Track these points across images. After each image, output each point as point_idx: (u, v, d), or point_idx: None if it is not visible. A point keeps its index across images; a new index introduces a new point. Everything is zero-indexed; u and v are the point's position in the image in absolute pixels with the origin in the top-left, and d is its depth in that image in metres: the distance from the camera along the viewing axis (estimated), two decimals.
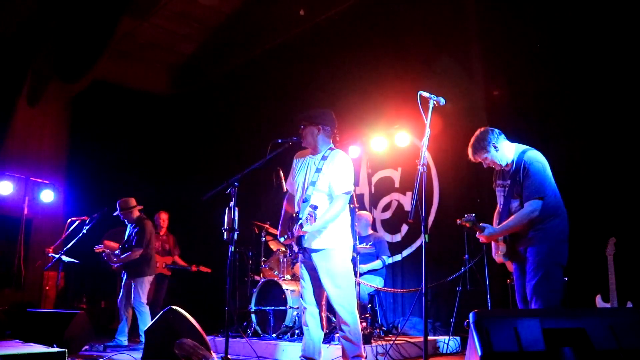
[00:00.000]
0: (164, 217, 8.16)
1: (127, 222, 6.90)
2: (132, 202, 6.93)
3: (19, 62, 9.84)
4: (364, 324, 5.38)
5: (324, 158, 4.17)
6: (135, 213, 6.88)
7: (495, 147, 3.78)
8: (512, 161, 3.80)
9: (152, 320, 6.66)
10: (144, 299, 6.65)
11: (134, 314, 6.71)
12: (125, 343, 6.59)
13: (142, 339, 6.54)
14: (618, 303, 4.64)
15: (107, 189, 8.88)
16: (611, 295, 4.70)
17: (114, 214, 6.89)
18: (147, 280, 6.75)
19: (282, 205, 4.42)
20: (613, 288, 4.71)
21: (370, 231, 6.79)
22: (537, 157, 3.73)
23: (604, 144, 5.34)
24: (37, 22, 9.46)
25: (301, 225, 3.84)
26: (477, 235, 3.80)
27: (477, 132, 3.87)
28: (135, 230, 6.74)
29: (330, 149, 4.23)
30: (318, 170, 4.12)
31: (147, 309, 6.65)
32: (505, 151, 3.81)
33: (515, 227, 3.67)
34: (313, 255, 4.04)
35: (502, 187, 3.89)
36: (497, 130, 3.84)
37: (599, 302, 4.81)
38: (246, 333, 6.18)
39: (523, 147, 3.85)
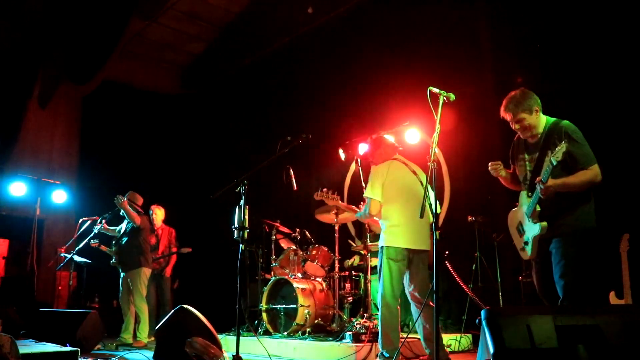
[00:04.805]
0: (156, 212, 7.87)
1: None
2: (139, 199, 7.04)
3: (29, 64, 9.91)
4: (375, 321, 5.37)
5: None
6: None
7: (537, 112, 3.58)
8: (542, 133, 3.60)
9: (149, 319, 6.76)
10: (142, 293, 6.67)
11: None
12: (130, 341, 6.60)
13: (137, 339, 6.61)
14: (632, 300, 4.59)
15: (119, 188, 8.91)
16: (625, 291, 4.65)
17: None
18: (144, 273, 6.73)
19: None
20: (627, 285, 4.65)
21: None
22: (576, 127, 3.54)
23: (616, 140, 5.28)
24: (47, 24, 9.52)
25: None
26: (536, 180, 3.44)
27: (521, 90, 3.65)
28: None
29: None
30: None
31: (146, 307, 6.70)
32: (540, 120, 3.61)
33: (576, 185, 3.40)
34: None
35: (527, 161, 3.67)
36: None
37: (613, 298, 4.76)
38: (257, 331, 6.19)
39: (552, 118, 3.66)
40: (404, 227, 4.34)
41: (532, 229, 3.52)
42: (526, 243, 3.61)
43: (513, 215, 3.80)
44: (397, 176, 4.48)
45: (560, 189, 3.39)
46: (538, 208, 3.47)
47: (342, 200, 6.87)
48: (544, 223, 3.44)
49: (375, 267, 6.30)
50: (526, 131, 3.62)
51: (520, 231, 3.68)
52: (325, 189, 5.18)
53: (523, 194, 3.68)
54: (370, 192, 4.43)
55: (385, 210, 4.43)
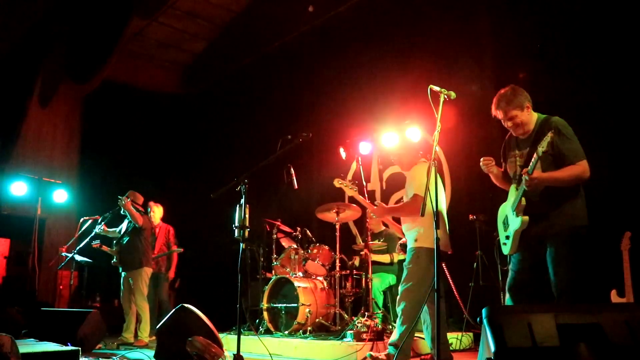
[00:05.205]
0: (154, 209, 7.68)
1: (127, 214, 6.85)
2: (140, 198, 7.03)
3: (30, 63, 9.91)
4: (377, 320, 5.37)
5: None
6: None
7: (528, 108, 3.56)
8: (533, 129, 3.58)
9: (151, 319, 6.71)
10: (143, 292, 6.64)
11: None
12: (131, 340, 6.60)
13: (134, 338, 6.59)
14: (634, 298, 4.58)
15: (120, 188, 8.97)
16: (626, 290, 4.64)
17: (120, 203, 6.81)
18: (145, 272, 6.71)
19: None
20: (628, 283, 4.64)
21: (382, 227, 6.77)
22: (566, 123, 3.53)
23: (618, 137, 5.27)
24: (47, 24, 9.52)
25: None
26: (522, 172, 3.45)
27: (511, 87, 3.62)
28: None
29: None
30: None
31: (147, 307, 6.67)
32: (531, 117, 3.60)
33: (563, 179, 3.36)
34: None
35: (518, 157, 3.65)
36: None
37: (614, 297, 4.75)
38: (258, 330, 6.19)
39: (542, 114, 3.65)
40: (444, 231, 4.31)
41: (514, 223, 3.50)
42: (507, 237, 3.59)
43: (501, 209, 3.77)
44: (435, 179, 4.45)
45: (547, 183, 3.38)
46: (523, 202, 3.44)
47: (342, 200, 6.87)
48: (526, 217, 3.42)
49: (375, 265, 6.33)
50: (518, 128, 3.61)
51: (506, 225, 3.66)
52: (346, 179, 4.97)
53: (512, 188, 3.66)
54: (415, 189, 4.29)
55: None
